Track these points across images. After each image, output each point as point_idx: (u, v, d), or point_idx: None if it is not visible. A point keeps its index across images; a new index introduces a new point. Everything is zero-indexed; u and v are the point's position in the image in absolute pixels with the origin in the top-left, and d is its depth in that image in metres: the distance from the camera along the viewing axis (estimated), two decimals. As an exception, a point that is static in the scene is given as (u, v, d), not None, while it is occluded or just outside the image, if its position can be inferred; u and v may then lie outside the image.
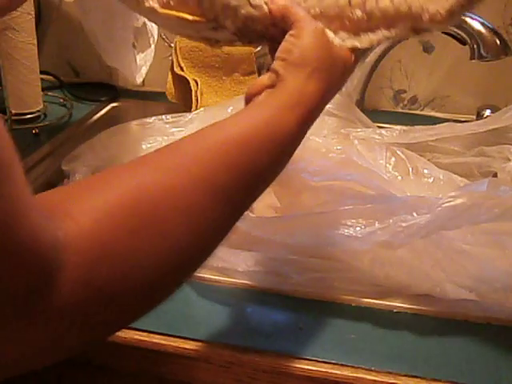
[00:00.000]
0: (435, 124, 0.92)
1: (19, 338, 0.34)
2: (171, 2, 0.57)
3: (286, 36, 0.54)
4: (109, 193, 0.39)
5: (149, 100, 1.13)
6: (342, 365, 0.56)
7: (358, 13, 0.56)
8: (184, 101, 1.03)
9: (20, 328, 0.33)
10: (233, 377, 0.57)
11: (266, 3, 0.56)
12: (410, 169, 0.84)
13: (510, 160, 0.84)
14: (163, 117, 0.90)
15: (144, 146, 0.88)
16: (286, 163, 0.50)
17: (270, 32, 0.56)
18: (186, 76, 1.01)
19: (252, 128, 0.47)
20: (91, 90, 1.15)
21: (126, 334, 0.59)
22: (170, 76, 1.04)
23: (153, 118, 0.90)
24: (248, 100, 0.53)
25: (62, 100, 1.11)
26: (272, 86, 0.52)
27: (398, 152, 0.85)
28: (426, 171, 0.84)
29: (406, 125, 0.94)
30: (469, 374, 0.55)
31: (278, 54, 0.53)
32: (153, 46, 0.95)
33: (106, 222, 0.37)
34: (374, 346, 0.58)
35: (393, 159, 0.84)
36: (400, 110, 1.13)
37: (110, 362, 0.61)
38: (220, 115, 0.89)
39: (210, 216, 0.42)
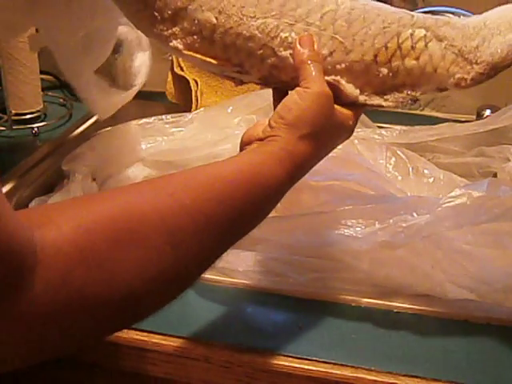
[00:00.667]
0: (435, 124, 0.92)
1: None
2: (196, 45, 0.57)
3: (292, 92, 0.54)
4: (96, 206, 0.40)
5: (149, 100, 1.13)
6: (342, 365, 0.56)
7: (384, 70, 0.56)
8: (184, 101, 1.03)
9: None
10: (233, 377, 0.57)
11: (291, 55, 0.55)
12: (410, 169, 0.84)
13: (509, 160, 0.84)
14: (163, 117, 0.90)
15: (144, 146, 0.88)
16: (270, 211, 0.51)
17: (295, 83, 0.55)
18: (186, 76, 1.01)
19: (242, 170, 0.48)
20: (91, 90, 1.15)
21: (125, 334, 0.59)
22: (170, 76, 1.04)
23: (153, 118, 0.90)
24: (241, 148, 0.55)
25: (61, 100, 1.11)
26: (264, 138, 0.53)
27: (399, 152, 0.85)
28: (426, 171, 0.84)
29: (406, 125, 0.94)
30: (469, 373, 0.55)
31: (278, 108, 0.54)
32: (138, 86, 0.92)
33: (89, 229, 0.38)
34: (374, 346, 0.58)
35: (393, 159, 0.84)
36: (400, 110, 1.13)
37: (110, 362, 0.61)
38: (220, 115, 0.90)
39: (191, 242, 0.43)
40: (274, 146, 0.51)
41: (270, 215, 0.77)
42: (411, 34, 0.56)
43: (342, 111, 0.56)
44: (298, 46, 0.55)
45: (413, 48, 0.56)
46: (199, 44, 0.57)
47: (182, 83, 1.02)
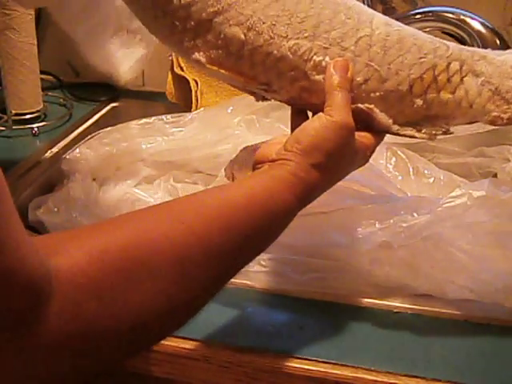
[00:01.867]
0: (435, 124, 0.91)
1: (6, 366, 0.34)
2: (221, 59, 0.54)
3: (314, 117, 0.52)
4: (108, 235, 0.40)
5: (149, 100, 1.13)
6: (342, 365, 0.56)
7: (419, 101, 0.55)
8: (184, 101, 1.03)
9: (8, 355, 0.34)
10: (233, 377, 0.57)
11: (324, 79, 0.53)
12: (411, 169, 0.84)
13: (509, 160, 0.84)
14: (163, 117, 0.90)
15: (144, 146, 0.88)
16: (279, 234, 0.50)
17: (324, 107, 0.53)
18: (186, 76, 1.01)
19: (252, 195, 0.48)
20: (91, 90, 1.15)
21: (125, 334, 0.59)
22: (169, 76, 1.04)
23: (153, 118, 0.90)
24: (254, 167, 0.54)
25: (61, 100, 1.11)
26: (277, 160, 0.51)
27: (399, 152, 0.85)
28: (426, 171, 0.84)
29: (406, 125, 0.94)
30: (469, 373, 0.55)
31: (297, 131, 0.52)
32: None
33: (101, 260, 0.38)
34: (374, 345, 0.58)
35: (393, 159, 0.84)
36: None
37: (110, 361, 0.61)
38: (220, 115, 0.90)
39: (201, 271, 0.43)
40: (286, 171, 0.50)
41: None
42: (447, 67, 0.55)
43: (363, 141, 0.54)
44: (331, 69, 0.53)
45: (449, 81, 0.55)
46: (224, 59, 0.54)
47: (181, 83, 1.02)
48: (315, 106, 0.55)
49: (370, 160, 0.83)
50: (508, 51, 0.58)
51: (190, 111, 0.96)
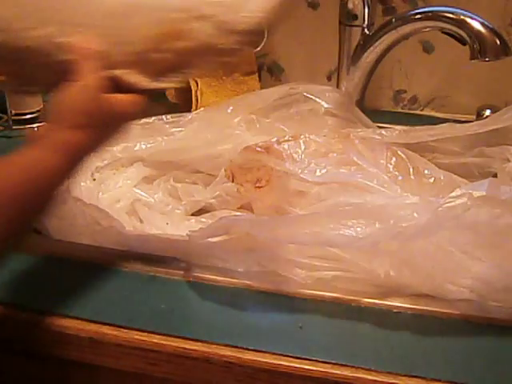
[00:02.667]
0: (435, 124, 0.92)
1: None
2: None
3: (65, 86, 0.57)
4: None
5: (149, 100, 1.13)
6: (341, 365, 0.56)
7: (160, 55, 0.59)
8: (184, 101, 1.03)
9: None
10: (233, 377, 0.57)
11: (71, 58, 0.57)
12: (411, 169, 0.84)
13: (509, 161, 0.84)
14: (163, 117, 0.90)
15: (144, 146, 0.88)
16: (55, 191, 0.57)
17: None
18: (186, 76, 1.01)
19: (22, 165, 0.54)
20: (91, 90, 1.14)
21: (126, 334, 0.59)
22: (170, 76, 1.04)
23: (153, 118, 0.90)
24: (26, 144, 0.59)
25: (62, 100, 1.11)
26: (43, 134, 0.57)
27: (399, 152, 0.85)
28: (426, 171, 0.84)
29: (406, 125, 0.94)
30: (469, 373, 0.55)
31: (52, 103, 0.57)
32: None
33: None
34: (374, 346, 0.58)
35: (393, 159, 0.84)
36: (400, 110, 1.13)
37: (110, 361, 0.61)
38: (220, 115, 0.90)
39: None
40: (50, 138, 0.56)
41: (270, 215, 0.77)
42: (178, 18, 0.59)
43: (121, 98, 0.59)
44: (75, 45, 0.57)
45: (183, 30, 0.59)
46: None
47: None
48: None
49: (370, 160, 0.83)
50: None
51: (190, 111, 0.96)
